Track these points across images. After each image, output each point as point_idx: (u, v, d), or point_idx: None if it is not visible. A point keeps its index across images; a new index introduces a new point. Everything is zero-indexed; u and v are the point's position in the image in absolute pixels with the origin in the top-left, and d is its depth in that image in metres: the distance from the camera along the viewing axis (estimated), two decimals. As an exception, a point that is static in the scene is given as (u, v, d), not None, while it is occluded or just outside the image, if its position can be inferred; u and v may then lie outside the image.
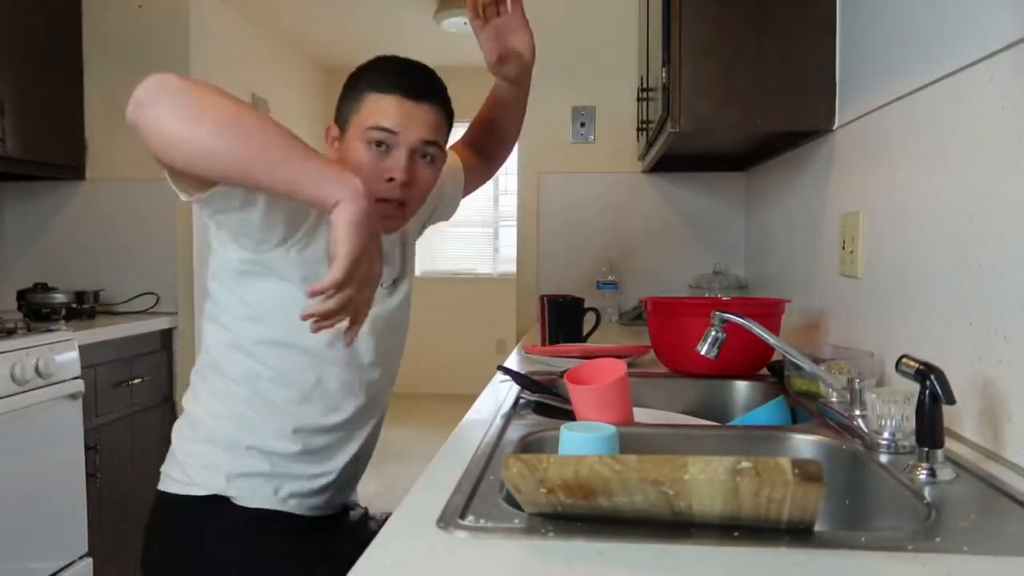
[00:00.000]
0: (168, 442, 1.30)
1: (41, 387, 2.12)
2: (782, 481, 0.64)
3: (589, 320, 2.10)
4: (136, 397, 2.65)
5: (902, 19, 1.26)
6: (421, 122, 1.19)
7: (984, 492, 0.82)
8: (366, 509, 1.43)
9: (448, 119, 1.26)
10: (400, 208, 1.22)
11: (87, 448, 2.33)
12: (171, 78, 0.98)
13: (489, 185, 6.97)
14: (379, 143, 1.18)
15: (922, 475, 0.85)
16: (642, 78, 2.37)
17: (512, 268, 3.56)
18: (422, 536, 0.70)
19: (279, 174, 0.96)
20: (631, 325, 2.61)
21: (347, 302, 0.95)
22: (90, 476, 2.35)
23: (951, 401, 0.86)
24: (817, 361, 1.16)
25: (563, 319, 2.03)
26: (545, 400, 1.29)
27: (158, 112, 0.96)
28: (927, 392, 0.87)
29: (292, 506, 1.25)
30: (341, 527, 1.34)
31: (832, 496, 0.99)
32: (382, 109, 1.18)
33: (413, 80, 1.21)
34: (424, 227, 1.51)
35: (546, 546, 0.68)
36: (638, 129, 2.48)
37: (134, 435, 2.64)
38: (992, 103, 0.97)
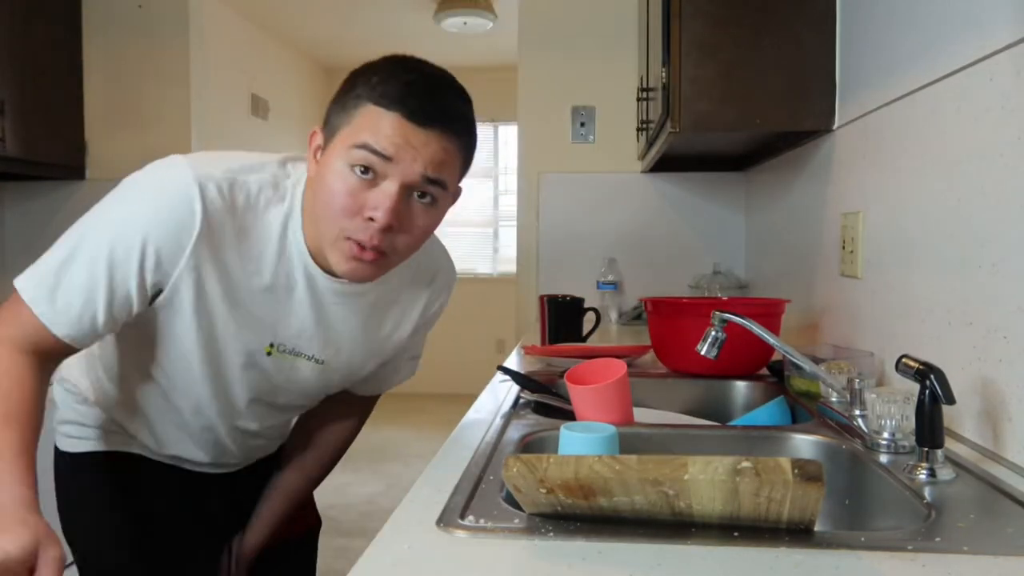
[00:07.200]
0: None
1: (41, 387, 2.12)
2: (782, 481, 0.64)
3: (589, 320, 2.10)
4: (136, 397, 2.64)
5: (902, 19, 1.26)
6: (425, 153, 0.91)
7: (984, 492, 0.82)
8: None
9: (465, 151, 0.97)
10: (380, 257, 0.95)
11: (87, 448, 2.33)
12: None
13: (489, 185, 7.03)
14: (365, 168, 0.91)
15: (922, 475, 0.85)
16: (642, 78, 2.37)
17: (512, 268, 3.56)
18: (422, 536, 0.70)
19: None
20: (631, 325, 2.61)
21: None
22: (90, 476, 2.35)
23: (951, 401, 0.86)
24: (817, 361, 1.16)
25: (563, 319, 2.03)
26: (545, 400, 1.29)
27: None
28: (927, 392, 0.87)
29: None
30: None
31: (832, 496, 0.99)
32: (376, 126, 0.90)
33: (425, 97, 0.92)
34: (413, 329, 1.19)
35: (546, 546, 0.68)
36: (638, 129, 2.48)
37: (134, 435, 2.63)
38: (992, 103, 0.97)
